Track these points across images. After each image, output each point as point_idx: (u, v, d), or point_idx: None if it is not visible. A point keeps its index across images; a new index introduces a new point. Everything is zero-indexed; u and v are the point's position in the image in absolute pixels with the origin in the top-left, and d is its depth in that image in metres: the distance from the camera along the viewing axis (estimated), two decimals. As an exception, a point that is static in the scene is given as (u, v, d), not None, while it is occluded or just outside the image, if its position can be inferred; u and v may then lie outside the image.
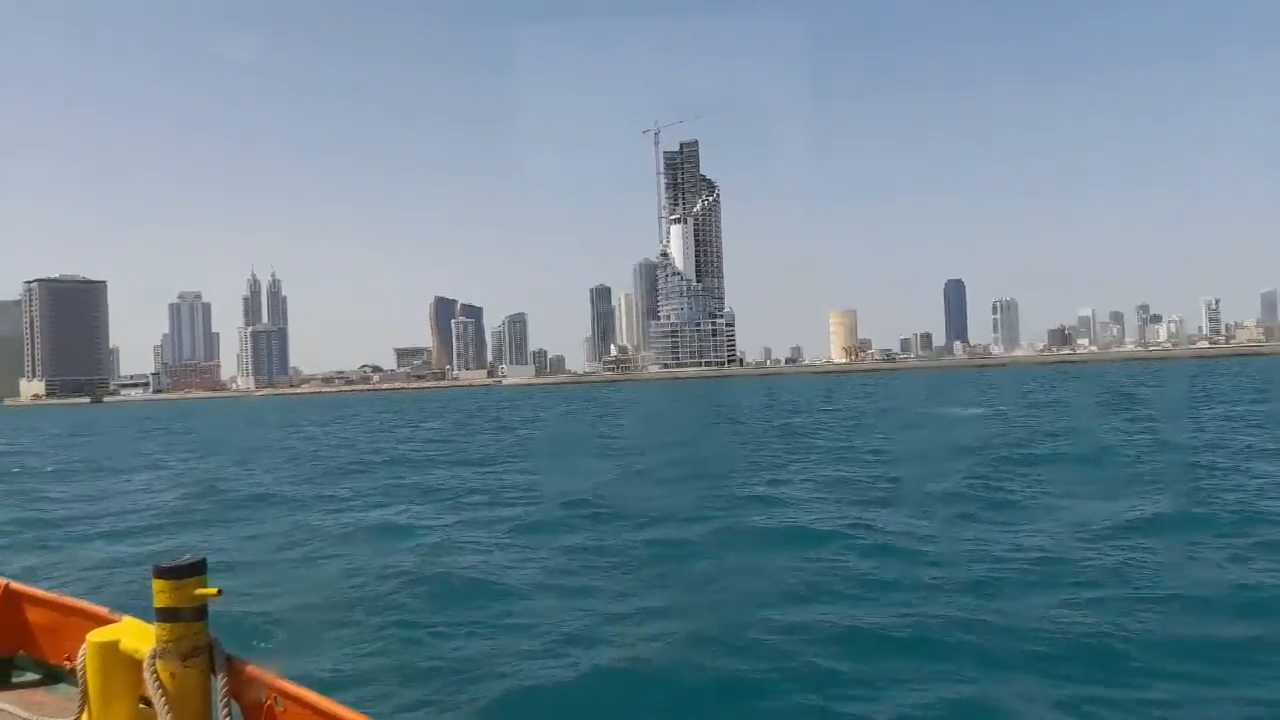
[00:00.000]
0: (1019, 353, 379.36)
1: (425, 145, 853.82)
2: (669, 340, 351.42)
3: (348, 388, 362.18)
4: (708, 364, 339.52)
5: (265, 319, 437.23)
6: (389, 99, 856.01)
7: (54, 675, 4.71)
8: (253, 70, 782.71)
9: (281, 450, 44.88)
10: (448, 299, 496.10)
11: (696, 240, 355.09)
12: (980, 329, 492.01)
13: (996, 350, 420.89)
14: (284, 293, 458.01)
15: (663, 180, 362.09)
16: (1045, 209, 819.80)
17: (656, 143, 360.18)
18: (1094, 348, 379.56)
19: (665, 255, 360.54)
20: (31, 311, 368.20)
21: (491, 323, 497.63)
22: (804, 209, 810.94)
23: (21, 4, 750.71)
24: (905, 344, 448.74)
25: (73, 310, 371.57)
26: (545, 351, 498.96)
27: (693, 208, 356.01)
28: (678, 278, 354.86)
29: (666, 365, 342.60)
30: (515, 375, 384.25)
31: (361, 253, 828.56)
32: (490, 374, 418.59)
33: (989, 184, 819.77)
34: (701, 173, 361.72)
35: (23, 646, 4.81)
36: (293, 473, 32.39)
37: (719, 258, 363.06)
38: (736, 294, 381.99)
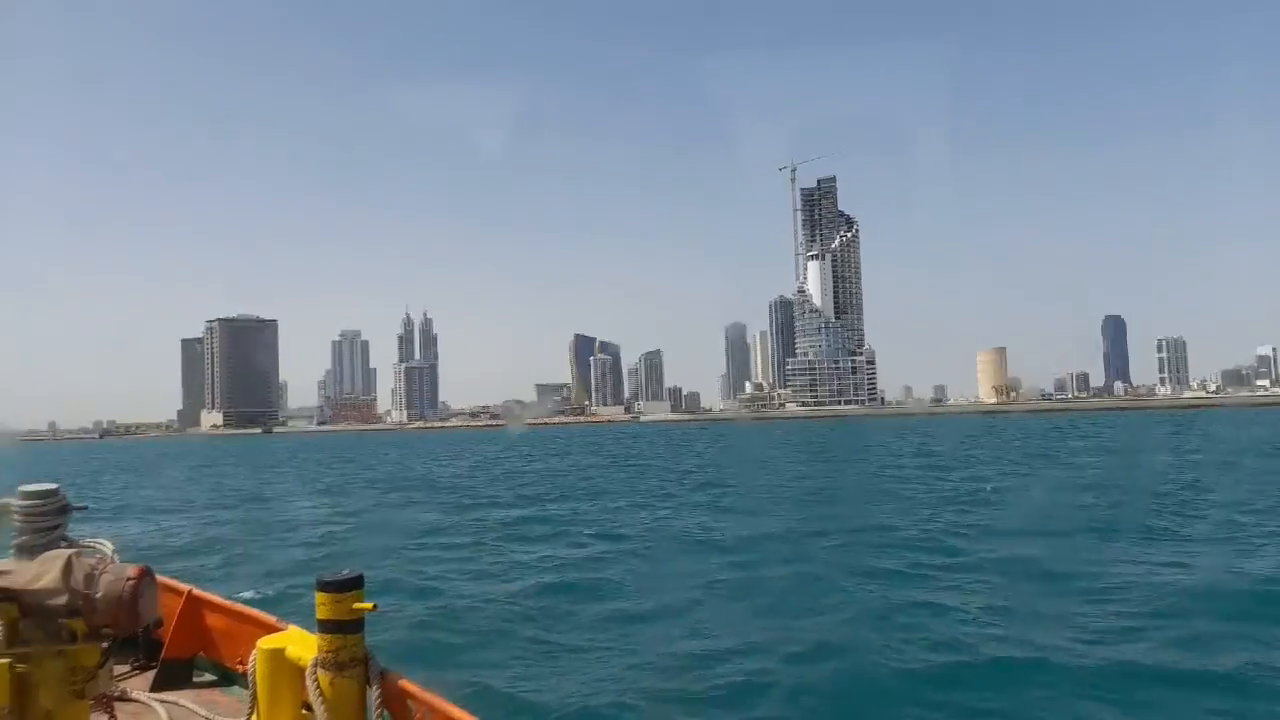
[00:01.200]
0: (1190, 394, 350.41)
1: (563, 189, 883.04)
2: (807, 378, 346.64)
3: (492, 422, 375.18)
4: (848, 402, 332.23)
5: (418, 356, 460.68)
6: (528, 147, 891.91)
7: (228, 677, 5.15)
8: (404, 120, 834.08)
9: (456, 481, 46.74)
10: (587, 336, 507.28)
11: (835, 276, 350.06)
12: (1143, 369, 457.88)
13: (1163, 391, 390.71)
14: (435, 331, 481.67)
15: (799, 217, 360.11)
16: (1213, 241, 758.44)
17: (793, 179, 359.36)
18: (1278, 389, 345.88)
19: (802, 292, 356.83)
20: (212, 348, 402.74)
21: (628, 360, 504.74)
22: (949, 243, 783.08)
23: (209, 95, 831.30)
24: (1060, 384, 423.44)
25: (247, 347, 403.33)
26: (680, 388, 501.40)
27: (830, 244, 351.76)
28: (815, 315, 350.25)
29: (804, 403, 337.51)
30: (652, 412, 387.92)
31: (506, 292, 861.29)
32: (627, 410, 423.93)
33: (1149, 216, 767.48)
34: (839, 208, 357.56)
35: (202, 649, 5.29)
36: (462, 502, 33.87)
37: (858, 294, 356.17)
38: (876, 331, 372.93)
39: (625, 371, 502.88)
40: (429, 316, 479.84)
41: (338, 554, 20.74)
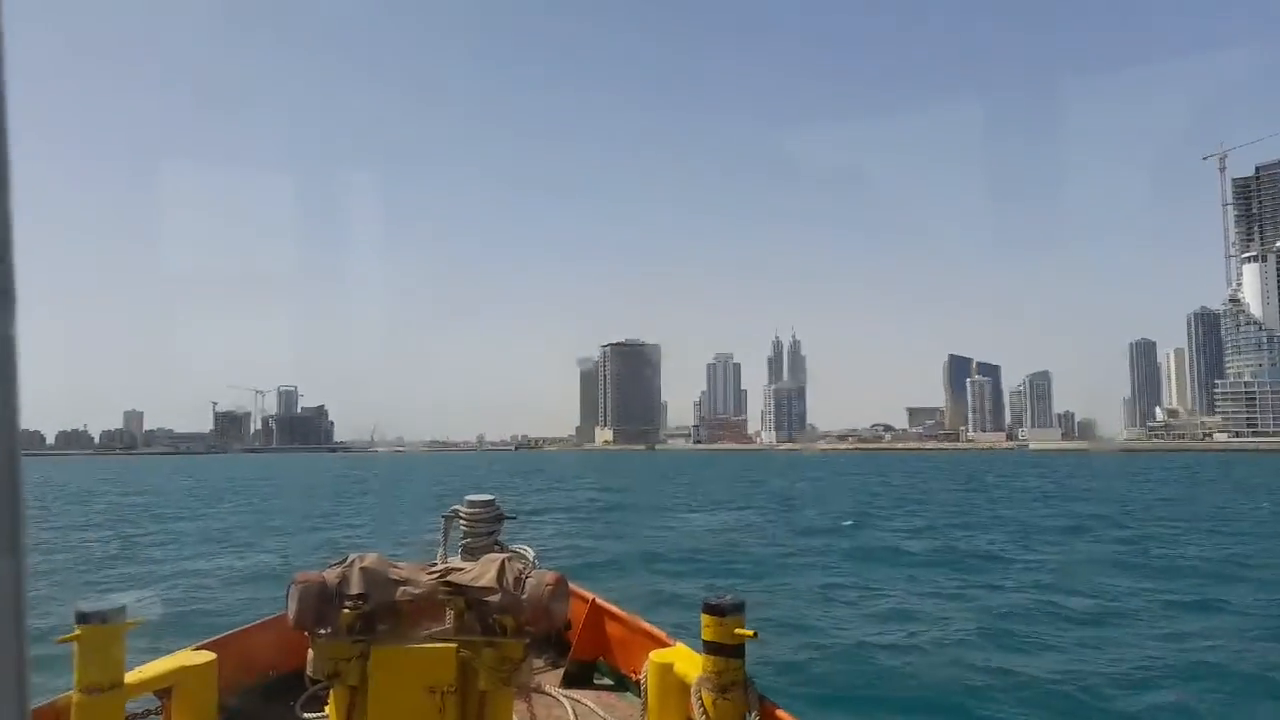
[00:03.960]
0: None
1: (934, 194, 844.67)
2: (1241, 402, 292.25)
3: (861, 445, 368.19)
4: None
5: (786, 377, 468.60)
6: (901, 151, 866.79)
7: (623, 683, 5.50)
8: (780, 153, 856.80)
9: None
10: (961, 357, 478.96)
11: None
12: None
13: None
14: (803, 353, 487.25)
15: (1231, 212, 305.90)
16: None
17: (1222, 169, 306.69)
18: None
19: (1235, 301, 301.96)
20: (605, 370, 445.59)
21: (1010, 382, 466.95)
22: None
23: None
24: None
25: (635, 369, 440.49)
26: (1072, 414, 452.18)
27: (1275, 243, 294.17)
28: (1254, 327, 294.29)
29: (1238, 433, 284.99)
30: (1039, 439, 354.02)
31: (877, 312, 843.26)
32: (1009, 437, 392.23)
33: None
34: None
35: (602, 654, 5.69)
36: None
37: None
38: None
39: (1006, 395, 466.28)
40: (797, 338, 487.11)
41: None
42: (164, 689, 4.41)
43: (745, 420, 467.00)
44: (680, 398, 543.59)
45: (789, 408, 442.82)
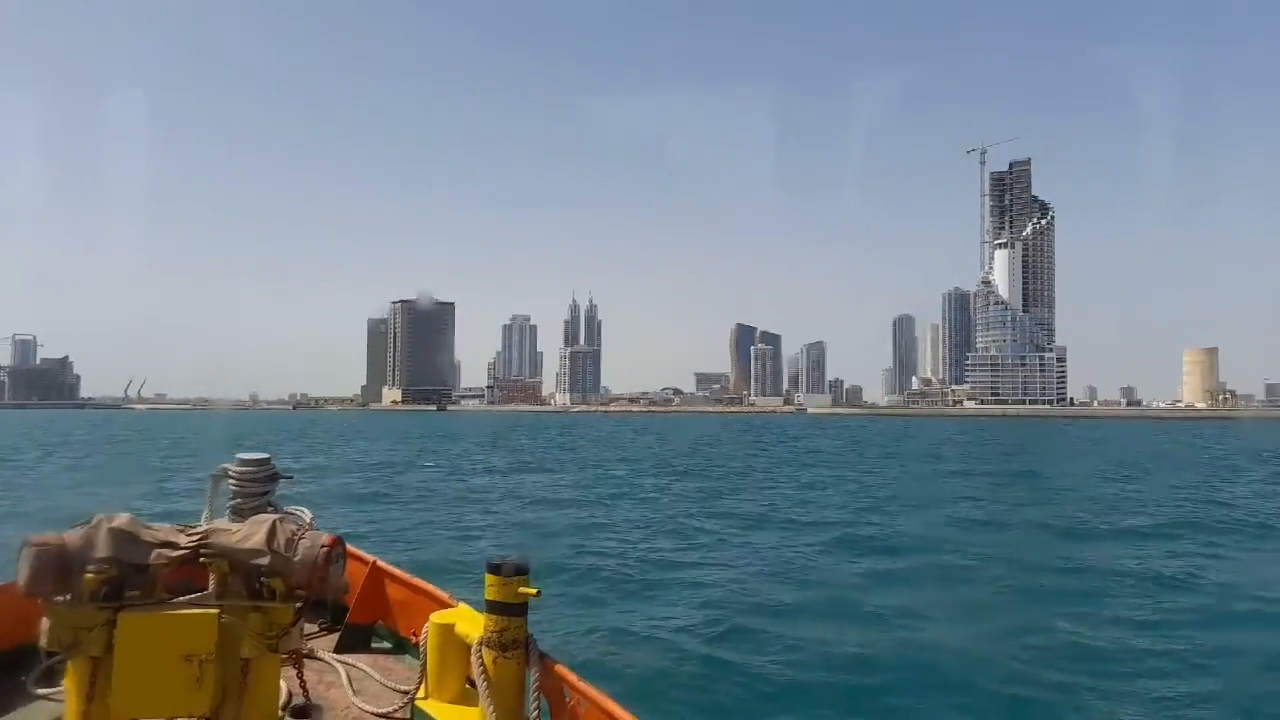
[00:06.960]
0: None
1: (729, 173, 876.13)
2: (987, 373, 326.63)
3: (652, 408, 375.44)
4: (1033, 402, 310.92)
5: (582, 341, 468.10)
6: (700, 149, 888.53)
7: (402, 645, 5.37)
8: (585, 124, 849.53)
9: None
10: (747, 326, 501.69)
11: (1025, 266, 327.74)
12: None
13: None
14: (599, 318, 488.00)
15: (987, 202, 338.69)
16: None
17: (982, 163, 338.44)
18: None
19: (987, 282, 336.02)
20: (395, 327, 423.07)
21: (789, 350, 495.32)
22: (1158, 232, 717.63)
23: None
24: (1272, 389, 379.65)
25: (427, 328, 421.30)
26: (842, 381, 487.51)
27: (1022, 231, 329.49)
28: (1000, 306, 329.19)
29: (983, 401, 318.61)
30: (813, 404, 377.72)
31: (669, 283, 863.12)
32: (787, 401, 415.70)
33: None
34: (1033, 194, 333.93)
35: (381, 617, 5.55)
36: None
37: (1050, 286, 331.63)
38: (1064, 326, 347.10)
39: (785, 362, 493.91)
40: (594, 303, 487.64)
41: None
42: None
43: (540, 382, 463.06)
44: (474, 358, 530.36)
45: (584, 370, 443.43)
